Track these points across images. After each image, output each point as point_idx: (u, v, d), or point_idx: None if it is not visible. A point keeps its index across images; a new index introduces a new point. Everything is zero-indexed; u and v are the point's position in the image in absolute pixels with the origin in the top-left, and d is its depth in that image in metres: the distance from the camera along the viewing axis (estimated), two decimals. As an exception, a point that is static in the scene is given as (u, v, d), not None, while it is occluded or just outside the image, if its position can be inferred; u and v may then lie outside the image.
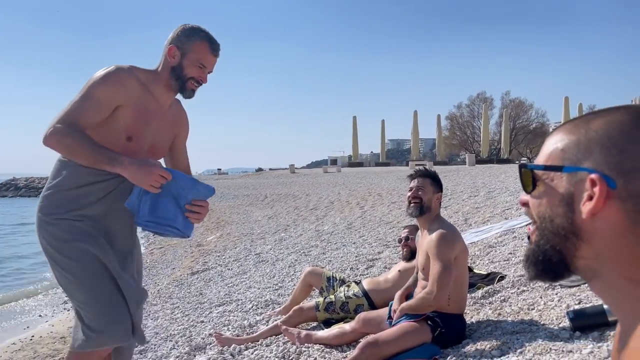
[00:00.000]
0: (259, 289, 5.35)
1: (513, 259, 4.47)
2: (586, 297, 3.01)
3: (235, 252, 8.35)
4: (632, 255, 0.73)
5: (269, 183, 23.19)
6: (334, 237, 8.13)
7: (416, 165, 28.08)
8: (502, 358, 2.46)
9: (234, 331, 3.83)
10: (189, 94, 2.16)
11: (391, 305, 3.05)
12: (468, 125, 48.45)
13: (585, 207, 0.74)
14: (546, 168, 0.80)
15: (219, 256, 8.23)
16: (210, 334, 3.76)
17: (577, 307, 2.87)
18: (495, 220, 6.73)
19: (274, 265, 6.63)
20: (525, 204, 0.86)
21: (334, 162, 43.08)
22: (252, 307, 4.54)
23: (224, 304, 4.91)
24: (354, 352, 2.70)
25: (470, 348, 2.68)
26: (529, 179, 0.82)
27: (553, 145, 0.82)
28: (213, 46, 2.13)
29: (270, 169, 44.99)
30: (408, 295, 3.06)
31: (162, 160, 2.34)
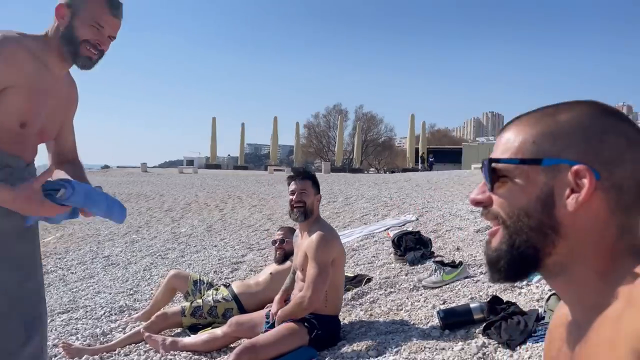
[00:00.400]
0: (110, 294, 4.88)
1: (377, 261, 4.63)
2: (449, 297, 3.20)
3: (79, 254, 7.57)
4: (608, 247, 0.72)
5: (118, 181, 21.58)
6: (192, 239, 7.78)
7: (275, 170, 28.32)
8: (379, 358, 2.48)
9: (84, 340, 3.40)
10: (84, 61, 1.75)
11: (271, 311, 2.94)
12: (324, 135, 50.49)
13: (572, 200, 0.72)
14: (522, 162, 0.75)
15: (59, 259, 7.39)
16: (55, 345, 3.30)
17: (442, 306, 3.03)
18: (355, 225, 6.98)
19: (127, 268, 6.12)
20: (479, 203, 0.81)
21: (190, 162, 41.74)
22: (104, 313, 4.09)
23: (69, 310, 4.38)
24: (229, 358, 2.53)
25: (346, 349, 2.67)
26: (495, 175, 0.77)
27: (518, 138, 0.78)
28: (111, 2, 1.75)
29: (118, 167, 42.00)
30: (287, 299, 2.97)
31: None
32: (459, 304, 2.89)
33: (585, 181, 0.70)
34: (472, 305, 2.66)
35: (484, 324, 2.48)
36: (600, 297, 0.71)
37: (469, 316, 2.61)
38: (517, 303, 2.66)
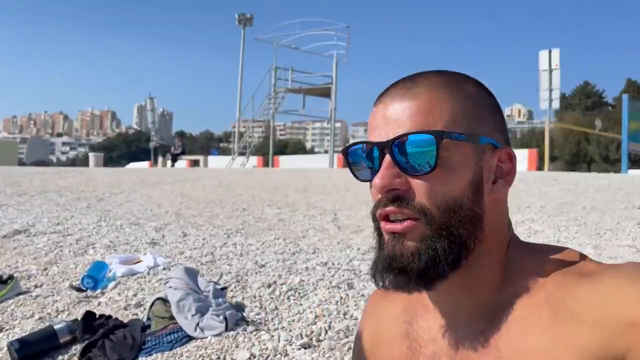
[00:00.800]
0: None
1: None
2: (4, 321, 2.51)
3: None
4: (505, 236, 0.68)
5: None
6: None
7: None
8: None
9: None
10: None
11: None
12: None
13: (501, 186, 0.64)
14: (469, 138, 0.62)
15: None
16: None
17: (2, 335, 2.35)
18: None
19: None
20: (392, 191, 0.62)
21: None
22: None
23: None
24: None
25: None
26: (434, 154, 0.60)
27: (443, 108, 0.63)
28: None
29: None
30: None
31: None
32: (42, 328, 2.30)
33: (511, 166, 0.66)
34: (56, 327, 2.15)
35: (81, 346, 2.06)
36: (499, 293, 0.66)
37: (54, 341, 2.11)
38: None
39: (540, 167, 17.80)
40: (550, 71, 16.88)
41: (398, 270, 0.63)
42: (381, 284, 0.65)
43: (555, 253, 0.67)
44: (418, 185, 0.62)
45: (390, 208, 0.63)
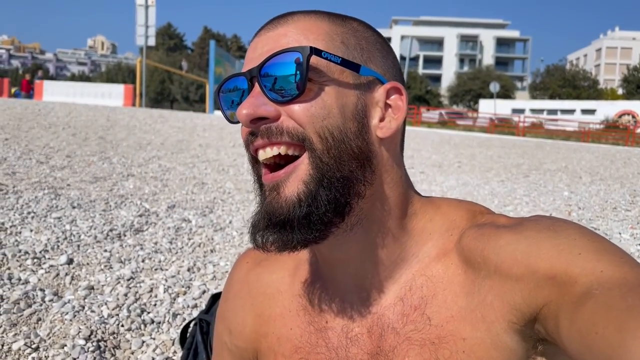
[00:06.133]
0: None
1: None
2: None
3: None
4: (403, 189, 0.62)
5: None
6: None
7: None
8: None
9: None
10: None
11: None
12: None
13: (389, 122, 0.58)
14: (344, 63, 0.55)
15: None
16: None
17: None
18: None
19: None
20: (260, 120, 0.55)
21: None
22: None
23: None
24: None
25: None
26: (303, 73, 0.54)
27: (319, 32, 0.57)
28: None
29: None
30: None
31: None
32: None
33: (400, 103, 0.60)
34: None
35: None
36: (410, 253, 0.61)
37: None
38: None
39: (134, 103, 17.88)
40: (147, 7, 16.88)
41: (280, 226, 0.53)
42: (262, 245, 0.55)
43: (460, 206, 0.64)
44: (291, 112, 0.54)
45: (260, 141, 0.55)
